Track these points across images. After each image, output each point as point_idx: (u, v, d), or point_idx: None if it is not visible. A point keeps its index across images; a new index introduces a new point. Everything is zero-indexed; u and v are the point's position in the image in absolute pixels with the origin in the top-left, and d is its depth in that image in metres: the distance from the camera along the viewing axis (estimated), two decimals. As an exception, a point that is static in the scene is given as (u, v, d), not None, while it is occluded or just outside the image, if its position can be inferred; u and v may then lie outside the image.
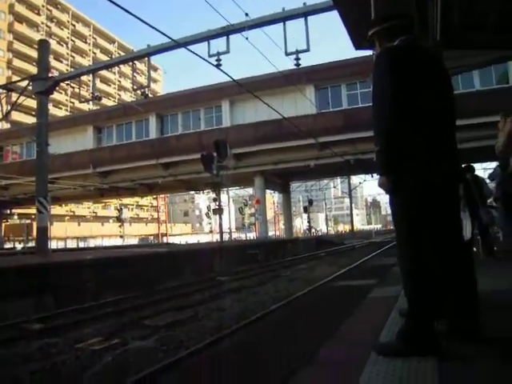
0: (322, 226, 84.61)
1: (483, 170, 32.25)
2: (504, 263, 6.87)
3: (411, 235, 2.31)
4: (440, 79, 2.47)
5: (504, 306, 3.38)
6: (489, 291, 3.75)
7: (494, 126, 5.65)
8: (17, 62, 60.95)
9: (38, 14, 67.33)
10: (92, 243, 48.90)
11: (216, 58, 12.71)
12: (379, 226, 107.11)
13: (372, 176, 32.52)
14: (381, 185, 2.38)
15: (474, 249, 8.00)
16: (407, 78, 2.29)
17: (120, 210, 47.17)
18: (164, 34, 10.09)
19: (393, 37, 2.50)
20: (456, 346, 2.27)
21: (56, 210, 47.70)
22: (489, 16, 5.78)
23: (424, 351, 2.20)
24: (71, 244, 48.23)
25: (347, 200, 61.29)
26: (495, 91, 21.37)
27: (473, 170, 8.24)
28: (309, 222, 47.33)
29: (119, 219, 46.28)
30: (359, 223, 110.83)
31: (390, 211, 2.53)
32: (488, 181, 8.38)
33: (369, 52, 9.27)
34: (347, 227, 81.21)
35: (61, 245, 43.52)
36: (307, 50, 12.38)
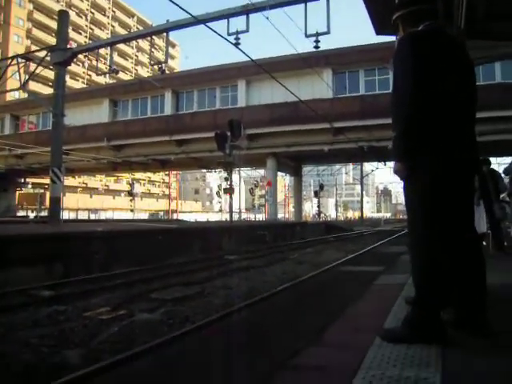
0: (331, 212, 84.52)
1: (498, 164, 31.79)
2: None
3: (423, 223, 2.30)
4: (464, 68, 2.42)
5: (509, 299, 3.38)
6: (497, 285, 3.75)
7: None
8: (36, 32, 60.92)
9: (58, -17, 66.96)
10: (103, 216, 49.47)
11: (235, 36, 12.58)
12: (389, 215, 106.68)
13: (385, 164, 32.19)
14: (396, 171, 2.36)
15: (484, 243, 7.96)
16: (430, 64, 2.24)
17: (132, 185, 47.49)
18: (184, 10, 10.00)
19: (417, 21, 2.45)
20: (461, 336, 2.27)
21: (69, 181, 48.10)
22: (512, 5, 5.66)
23: (429, 339, 2.22)
24: (82, 215, 48.82)
25: (358, 187, 61.09)
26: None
27: (489, 163, 8.15)
28: (318, 206, 47.25)
29: (131, 193, 46.63)
30: (369, 211, 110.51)
31: (400, 200, 2.53)
32: (503, 175, 8.28)
33: (389, 38, 9.12)
34: (357, 214, 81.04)
35: (72, 215, 44.06)
36: (327, 33, 12.18)
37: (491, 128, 19.55)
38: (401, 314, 2.71)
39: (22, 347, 4.08)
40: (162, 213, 64.56)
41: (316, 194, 46.21)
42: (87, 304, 6.01)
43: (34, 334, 4.51)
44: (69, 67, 17.02)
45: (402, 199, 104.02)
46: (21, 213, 41.67)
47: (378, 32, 7.23)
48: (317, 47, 12.45)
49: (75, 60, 20.28)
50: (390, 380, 1.78)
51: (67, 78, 35.11)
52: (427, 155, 2.25)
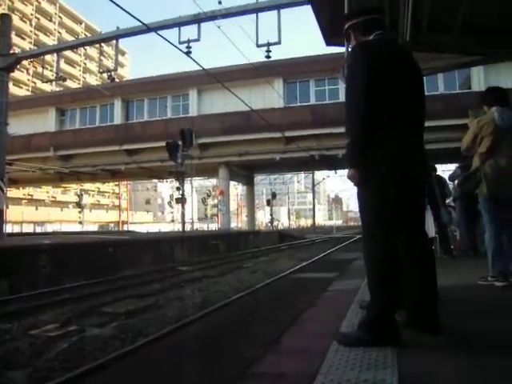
0: (284, 220, 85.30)
1: (442, 171, 33.27)
2: (460, 261, 7.12)
3: (377, 228, 2.36)
4: (414, 76, 2.52)
5: (458, 300, 3.51)
6: (444, 286, 3.89)
7: (455, 128, 5.85)
8: (-25, 37, 58.26)
9: (0, -13, 64.45)
10: (50, 228, 47.58)
11: (186, 45, 12.54)
12: (340, 222, 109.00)
13: (336, 172, 32.99)
14: (350, 177, 2.41)
15: (433, 247, 8.27)
16: (381, 72, 2.31)
17: (80, 196, 46.08)
18: (134, 17, 9.88)
19: (368, 31, 2.53)
20: (415, 337, 2.33)
21: (13, 192, 46.00)
22: (456, 18, 5.94)
23: (384, 341, 2.27)
24: (27, 228, 46.77)
25: (310, 195, 62.01)
26: (458, 95, 22.04)
27: (435, 169, 8.48)
28: (271, 214, 47.60)
29: (79, 205, 45.22)
30: (321, 218, 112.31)
31: (351, 208, 2.57)
32: (448, 182, 8.63)
33: (339, 49, 9.37)
34: (309, 222, 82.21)
35: (17, 229, 42.14)
36: (278, 43, 12.37)
37: (436, 136, 20.44)
38: (356, 319, 2.76)
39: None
40: (112, 224, 62.96)
41: (268, 203, 46.58)
42: (34, 321, 5.73)
43: (-24, 355, 4.25)
44: (12, 74, 16.37)
45: (352, 207, 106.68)
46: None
47: (328, 43, 7.41)
48: (268, 57, 12.62)
49: (19, 66, 19.54)
50: (348, 383, 1.80)
51: (10, 85, 33.76)
52: (378, 161, 2.31)
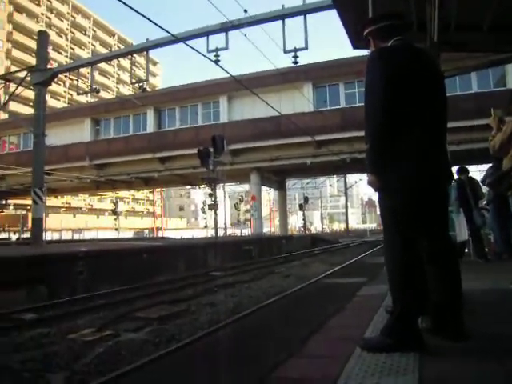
0: (317, 224, 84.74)
1: (479, 172, 32.36)
2: (493, 265, 6.95)
3: (398, 233, 2.36)
4: (432, 81, 2.51)
5: (489, 304, 3.45)
6: (475, 290, 3.83)
7: (490, 128, 5.71)
8: (16, 53, 60.56)
9: (38, 4, 66.85)
10: (87, 235, 48.77)
11: (215, 53, 12.73)
12: (374, 226, 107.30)
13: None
14: (370, 183, 2.43)
15: (466, 250, 8.09)
16: (399, 79, 2.33)
17: (116, 203, 47.11)
18: (163, 29, 10.11)
19: (387, 37, 2.54)
20: (439, 343, 2.32)
21: (52, 201, 47.53)
22: (484, 15, 5.84)
23: (407, 347, 2.26)
24: (66, 236, 48.11)
25: (343, 198, 61.47)
26: (493, 94, 21.46)
27: (467, 171, 8.30)
28: (304, 219, 47.40)
29: (115, 212, 46.22)
30: (354, 222, 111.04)
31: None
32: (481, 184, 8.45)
33: (366, 51, 9.35)
34: (342, 226, 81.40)
35: (56, 236, 43.42)
36: (305, 48, 12.40)
37: (471, 136, 19.99)
38: (381, 324, 2.76)
39: (2, 373, 4.01)
40: (147, 231, 64.01)
41: (301, 207, 46.38)
42: (72, 326, 5.93)
43: (17, 359, 4.44)
44: (50, 87, 16.99)
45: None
46: (3, 235, 40.95)
47: (355, 46, 7.38)
48: (295, 62, 12.66)
49: (56, 79, 20.23)
50: (368, 389, 1.82)
51: (48, 97, 34.91)
52: (397, 167, 2.32)
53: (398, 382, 1.86)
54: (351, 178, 56.22)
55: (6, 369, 4.12)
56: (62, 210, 59.64)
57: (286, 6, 12.68)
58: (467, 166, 8.57)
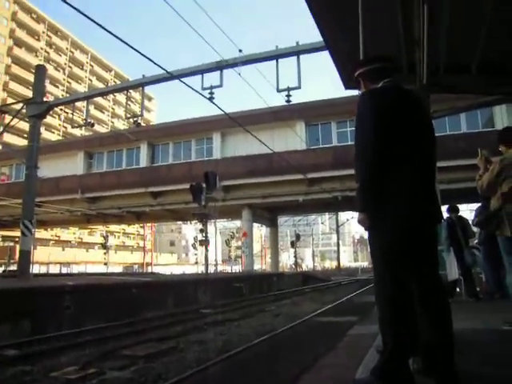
0: (308, 262, 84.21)
1: (470, 211, 32.59)
2: (485, 304, 6.92)
3: (388, 272, 2.35)
4: (421, 121, 2.56)
5: (480, 345, 3.41)
6: (466, 330, 3.79)
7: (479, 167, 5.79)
8: (13, 85, 61.30)
9: (38, 39, 68.26)
10: (75, 269, 48.12)
11: (209, 91, 12.95)
12: (365, 264, 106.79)
13: (360, 213, 32.65)
14: (360, 221, 2.44)
15: (458, 289, 8.05)
16: (388, 119, 2.37)
17: (106, 237, 46.67)
18: (159, 66, 10.30)
19: (376, 79, 2.61)
20: (431, 384, 2.28)
21: (41, 233, 47.09)
22: (473, 58, 6.03)
23: (398, 388, 2.22)
24: (54, 269, 47.35)
25: (335, 236, 61.40)
26: (482, 134, 21.91)
27: (457, 210, 8.35)
28: (295, 256, 47.15)
29: (104, 246, 45.74)
30: (346, 260, 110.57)
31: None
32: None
33: (358, 92, 9.55)
34: (334, 263, 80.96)
35: (43, 269, 42.70)
36: (298, 87, 12.67)
37: (461, 176, 20.25)
38: (372, 364, 2.71)
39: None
40: (136, 266, 63.22)
41: (293, 245, 46.22)
42: (55, 363, 5.76)
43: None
44: (44, 119, 17.12)
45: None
46: (-11, 267, 40.23)
47: (347, 86, 7.55)
48: (288, 101, 12.89)
49: (51, 112, 20.41)
50: (360, 431, 1.77)
51: (42, 129, 35.11)
52: (387, 206, 2.33)
53: (390, 425, 1.81)
54: (343, 215, 56.39)
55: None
56: (51, 242, 58.96)
57: (279, 47, 13.04)
58: (458, 205, 8.63)
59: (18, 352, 6.48)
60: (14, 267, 31.58)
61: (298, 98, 26.54)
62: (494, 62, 6.07)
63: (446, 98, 9.49)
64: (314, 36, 12.31)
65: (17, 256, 20.01)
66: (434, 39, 5.16)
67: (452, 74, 6.62)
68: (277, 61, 12.76)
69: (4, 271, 32.12)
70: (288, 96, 12.69)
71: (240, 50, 12.30)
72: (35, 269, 28.45)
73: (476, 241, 8.16)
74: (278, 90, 12.70)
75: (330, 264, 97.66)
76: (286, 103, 13.29)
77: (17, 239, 33.26)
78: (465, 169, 20.04)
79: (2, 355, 6.24)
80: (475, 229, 8.23)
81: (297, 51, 12.74)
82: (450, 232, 7.67)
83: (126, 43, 9.10)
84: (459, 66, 6.40)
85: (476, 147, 5.22)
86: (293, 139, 25.60)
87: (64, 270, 47.44)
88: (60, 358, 6.04)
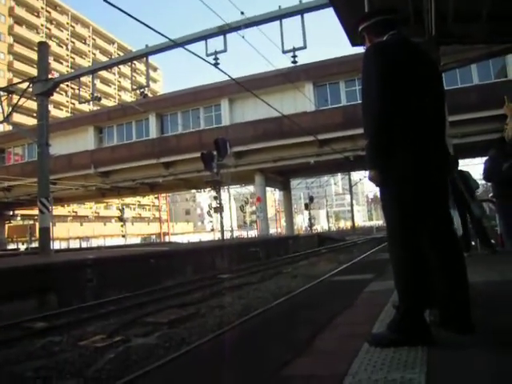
0: (323, 223, 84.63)
1: (484, 164, 32.18)
2: (501, 256, 6.92)
3: (400, 227, 2.36)
4: (429, 74, 2.51)
5: (495, 296, 3.45)
6: (481, 282, 3.83)
7: (494, 120, 5.70)
8: (17, 65, 60.98)
9: (38, 16, 67.33)
10: (94, 243, 49.04)
11: (214, 56, 12.76)
12: (380, 222, 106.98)
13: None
14: (371, 178, 2.43)
15: (473, 243, 8.04)
16: (394, 73, 2.33)
17: (122, 210, 47.24)
18: (162, 34, 10.16)
19: (380, 32, 2.55)
20: (446, 336, 2.32)
21: (58, 210, 47.78)
22: (483, 4, 5.82)
23: (414, 341, 2.27)
24: (74, 244, 48.39)
25: (348, 196, 61.38)
26: (494, 85, 21.36)
27: (457, 164, 8.16)
28: (310, 218, 47.36)
29: (121, 219, 46.36)
30: (360, 219, 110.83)
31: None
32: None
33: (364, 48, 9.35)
34: (348, 223, 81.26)
35: (64, 245, 43.68)
36: (304, 48, 12.41)
37: (470, 130, 19.92)
38: (389, 319, 2.77)
39: (16, 381, 4.05)
40: (153, 236, 64.21)
41: (307, 207, 46.35)
42: (82, 333, 5.97)
43: (29, 367, 4.48)
44: (52, 97, 17.10)
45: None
46: (11, 246, 41.23)
47: (353, 43, 7.40)
48: (294, 62, 12.66)
49: (58, 89, 20.36)
50: (376, 383, 1.83)
51: (51, 107, 35.20)
52: (397, 161, 2.32)
53: (406, 376, 1.87)
54: (355, 175, 56.04)
55: (19, 378, 4.16)
56: (69, 218, 59.97)
57: (282, 7, 12.72)
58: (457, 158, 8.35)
59: (46, 324, 6.73)
60: (35, 244, 32.34)
61: (304, 59, 26.07)
62: (505, 7, 5.86)
63: (455, 50, 9.24)
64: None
65: (37, 234, 20.45)
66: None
67: (461, 23, 6.42)
68: (280, 21, 12.46)
69: (26, 249, 32.90)
70: (294, 57, 12.45)
71: (242, 13, 12.03)
72: (56, 245, 29.08)
73: (490, 194, 8.07)
74: (284, 51, 12.46)
75: (345, 224, 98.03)
76: (292, 64, 13.07)
77: (36, 217, 33.87)
78: (478, 122, 19.73)
79: (31, 328, 6.49)
80: (483, 181, 8.09)
81: (300, 10, 12.41)
82: (452, 187, 7.55)
83: (127, 13, 8.96)
84: (469, 14, 6.19)
85: (489, 99, 5.13)
86: (302, 101, 25.28)
87: (84, 245, 48.42)
88: (86, 328, 6.25)
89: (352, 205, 52.28)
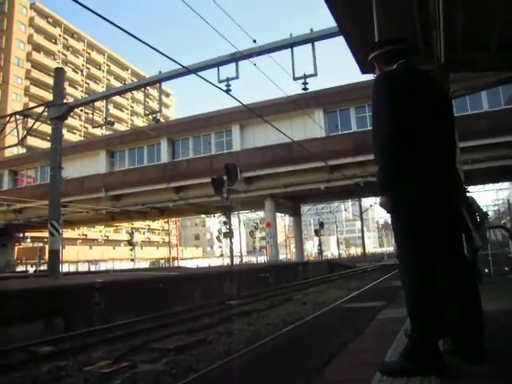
0: (333, 249, 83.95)
1: (496, 191, 31.87)
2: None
3: (412, 254, 2.34)
4: (438, 102, 2.52)
5: (505, 325, 3.36)
6: (495, 310, 3.74)
7: (504, 146, 5.67)
8: (33, 89, 62.39)
9: (55, 43, 69.25)
10: (103, 267, 49.03)
11: (226, 83, 12.94)
12: (391, 249, 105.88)
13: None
14: (381, 204, 2.42)
15: (486, 270, 7.89)
16: (403, 101, 2.35)
17: (131, 234, 47.34)
18: (175, 61, 10.32)
19: (391, 61, 2.59)
20: (460, 365, 2.26)
21: (68, 233, 48.05)
22: (491, 34, 5.86)
23: (427, 370, 2.21)
24: (83, 267, 48.38)
25: (358, 223, 60.99)
26: (504, 111, 21.34)
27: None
28: (320, 245, 47.00)
29: (130, 243, 46.42)
30: (371, 246, 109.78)
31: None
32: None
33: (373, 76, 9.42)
34: (359, 250, 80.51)
35: (73, 268, 43.66)
36: (315, 75, 12.55)
37: (485, 155, 19.85)
38: (401, 348, 2.70)
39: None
40: (162, 261, 64.03)
41: (317, 233, 46.06)
42: (88, 358, 5.91)
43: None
44: (66, 121, 17.40)
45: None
46: (20, 268, 41.33)
47: (363, 71, 7.46)
48: (305, 89, 12.79)
49: (72, 114, 20.72)
50: (389, 414, 1.78)
51: (64, 131, 35.73)
52: (407, 188, 2.31)
53: (420, 407, 1.81)
54: (366, 201, 55.79)
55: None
56: (79, 241, 60.13)
57: (293, 35, 12.93)
58: (485, 185, 8.31)
59: (52, 348, 6.67)
60: (44, 267, 32.40)
61: (315, 86, 26.35)
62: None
63: (465, 77, 9.29)
64: (329, 25, 12.11)
65: (46, 256, 20.53)
66: (451, 17, 5.05)
67: (470, 51, 6.46)
68: (292, 49, 12.65)
69: (35, 271, 32.96)
70: (305, 84, 12.58)
71: (254, 41, 12.25)
72: (65, 267, 29.10)
73: (503, 221, 7.95)
74: (295, 78, 12.60)
75: (356, 251, 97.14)
76: (303, 91, 13.19)
77: (45, 240, 34.07)
78: (488, 148, 19.66)
79: (37, 352, 6.43)
80: (495, 207, 7.94)
81: (311, 38, 12.61)
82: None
83: (143, 41, 9.13)
84: (477, 43, 6.24)
85: (499, 125, 5.13)
86: (312, 127, 25.43)
87: (92, 268, 48.39)
88: (93, 353, 6.19)
89: (363, 231, 51.87)
